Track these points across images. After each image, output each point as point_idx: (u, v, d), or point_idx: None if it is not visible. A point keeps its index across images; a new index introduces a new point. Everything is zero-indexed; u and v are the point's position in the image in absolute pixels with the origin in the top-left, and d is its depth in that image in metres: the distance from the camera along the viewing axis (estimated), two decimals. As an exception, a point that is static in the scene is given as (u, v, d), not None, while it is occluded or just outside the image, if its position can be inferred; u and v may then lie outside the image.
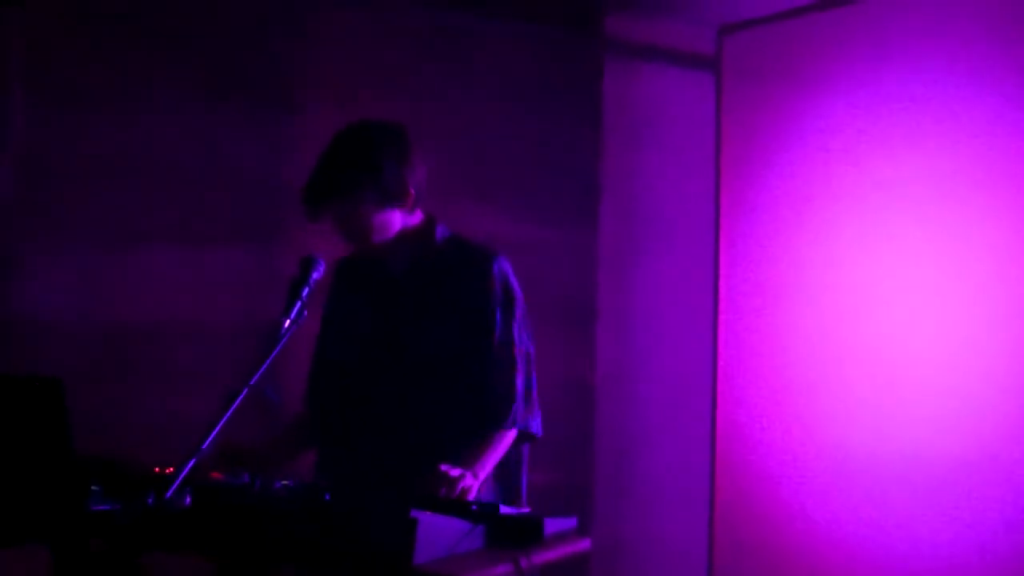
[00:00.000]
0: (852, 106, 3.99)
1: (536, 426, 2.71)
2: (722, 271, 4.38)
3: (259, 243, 4.12)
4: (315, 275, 2.40)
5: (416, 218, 2.73)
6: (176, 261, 4.02)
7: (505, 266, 2.73)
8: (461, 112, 4.42)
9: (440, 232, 2.76)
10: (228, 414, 2.08)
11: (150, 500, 1.96)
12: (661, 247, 4.63)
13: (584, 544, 2.24)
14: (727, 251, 4.38)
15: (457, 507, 2.17)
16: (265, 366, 2.16)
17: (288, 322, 2.28)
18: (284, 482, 2.19)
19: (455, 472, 2.40)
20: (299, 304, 2.31)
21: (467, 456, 2.57)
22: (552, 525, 2.17)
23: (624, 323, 4.62)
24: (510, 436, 2.67)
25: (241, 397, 2.12)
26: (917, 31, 3.84)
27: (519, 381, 2.68)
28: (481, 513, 2.13)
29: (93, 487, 2.11)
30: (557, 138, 4.58)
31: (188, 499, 2.02)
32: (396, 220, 2.68)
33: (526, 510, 2.54)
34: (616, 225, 4.63)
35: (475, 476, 2.52)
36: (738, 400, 4.29)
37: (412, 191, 2.67)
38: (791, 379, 4.13)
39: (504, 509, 2.21)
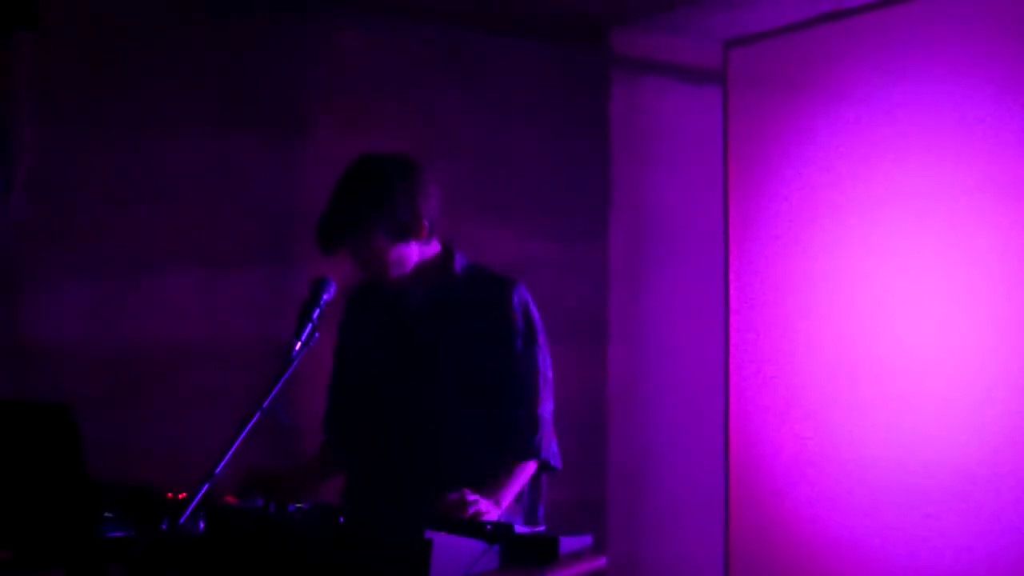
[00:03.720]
0: (859, 117, 3.99)
1: (553, 458, 2.68)
2: (732, 283, 4.38)
3: (272, 266, 4.12)
4: (326, 296, 2.38)
5: (433, 248, 2.70)
6: (189, 285, 4.02)
7: (525, 295, 2.70)
8: (470, 130, 4.43)
9: (459, 262, 2.73)
10: (241, 438, 2.08)
11: (164, 525, 1.96)
12: (671, 260, 4.63)
13: (600, 562, 2.23)
14: (737, 263, 4.37)
15: (472, 527, 2.16)
16: (277, 388, 2.16)
17: (299, 344, 2.27)
18: (298, 506, 2.18)
19: (471, 496, 2.39)
20: (310, 326, 2.30)
21: (490, 486, 2.56)
22: (567, 543, 2.16)
23: (636, 337, 4.62)
24: (531, 467, 2.66)
25: (254, 420, 2.12)
26: (923, 42, 3.84)
27: (542, 411, 2.66)
28: (496, 533, 2.12)
29: (107, 513, 2.11)
30: (566, 154, 4.59)
31: (202, 524, 2.01)
32: (413, 253, 2.65)
33: (541, 528, 2.53)
34: (626, 239, 4.63)
35: (497, 503, 2.51)
36: (751, 413, 4.28)
37: (426, 223, 2.63)
38: (804, 391, 4.12)
39: (519, 528, 2.20)
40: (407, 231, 2.62)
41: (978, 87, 3.68)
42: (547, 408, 2.68)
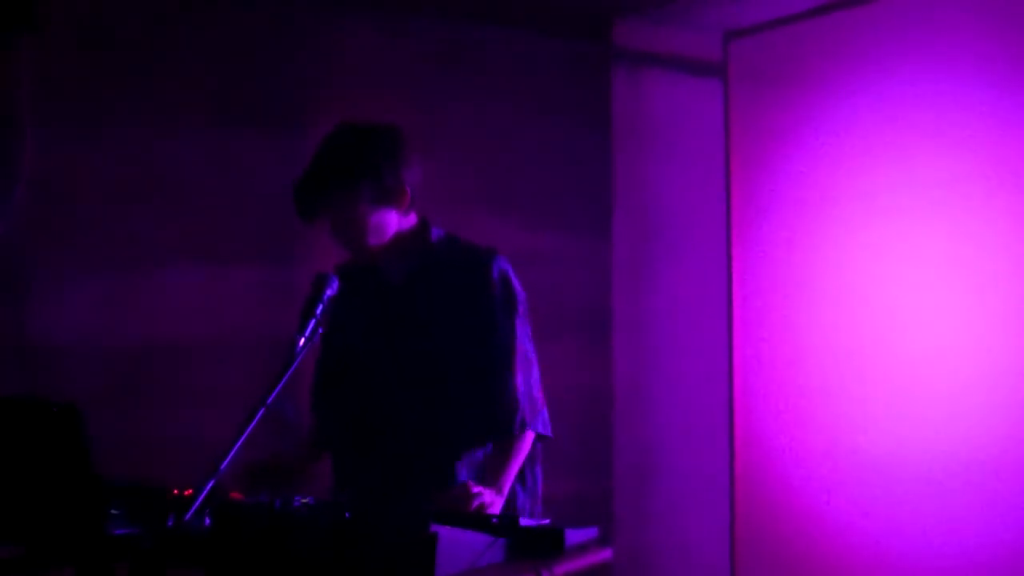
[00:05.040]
0: (860, 108, 3.99)
1: (541, 425, 2.68)
2: (736, 276, 4.38)
3: (274, 262, 4.12)
4: (329, 292, 2.40)
5: (410, 221, 2.70)
6: (193, 282, 4.03)
7: (504, 265, 2.70)
8: (472, 123, 4.42)
9: (435, 233, 2.73)
10: (246, 434, 2.09)
11: (170, 522, 1.96)
12: (675, 253, 4.63)
13: (606, 554, 2.23)
14: (740, 255, 4.37)
15: (477, 521, 2.17)
16: (281, 385, 2.16)
17: (303, 340, 2.27)
18: (304, 500, 2.19)
19: (476, 488, 2.40)
20: (313, 322, 2.31)
21: (489, 472, 2.57)
22: (573, 536, 2.16)
23: (640, 331, 4.61)
24: (528, 440, 2.66)
25: (258, 416, 2.12)
26: (924, 33, 3.83)
27: (519, 382, 2.65)
28: (502, 526, 2.12)
29: (114, 510, 2.11)
30: (568, 146, 4.58)
31: (208, 520, 2.02)
32: (392, 222, 2.65)
33: (547, 521, 2.53)
34: (629, 232, 4.63)
35: (499, 492, 2.52)
36: (755, 406, 4.28)
37: (408, 191, 2.64)
38: (808, 384, 4.12)
39: (524, 521, 2.20)
40: (390, 196, 2.61)
41: (981, 79, 3.67)
42: (524, 379, 2.66)
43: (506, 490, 2.56)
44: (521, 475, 2.72)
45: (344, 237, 2.65)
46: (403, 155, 2.65)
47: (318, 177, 2.61)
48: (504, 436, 2.62)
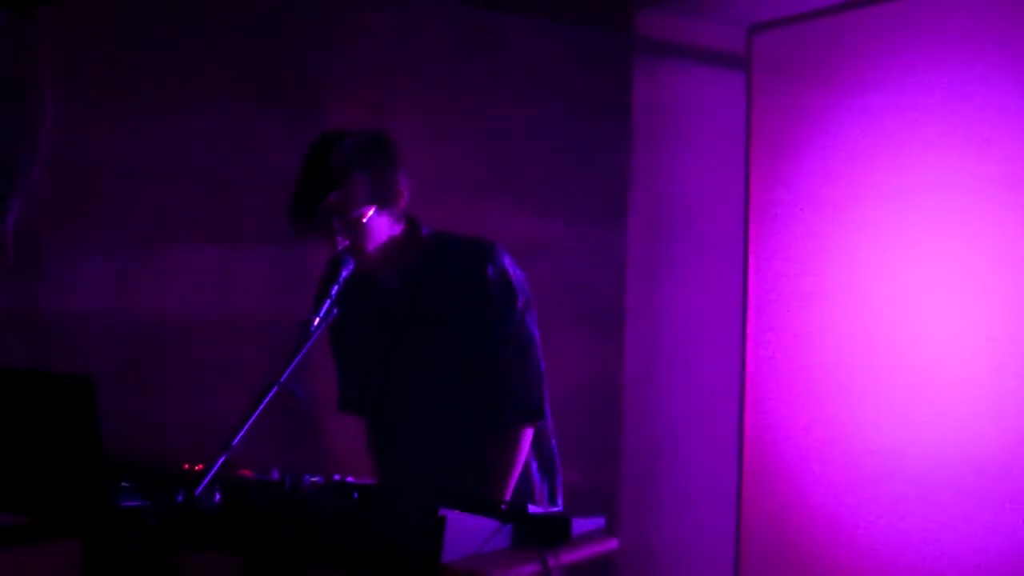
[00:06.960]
0: (884, 105, 3.96)
1: (537, 407, 2.69)
2: (751, 271, 4.36)
3: (289, 242, 4.12)
4: (344, 273, 2.40)
5: (399, 227, 2.66)
6: (207, 260, 4.03)
7: (501, 259, 2.66)
8: (492, 112, 4.41)
9: (426, 232, 2.69)
10: (258, 411, 2.09)
11: (180, 497, 1.97)
12: (690, 247, 4.62)
13: (612, 544, 2.23)
14: (756, 251, 4.36)
15: (485, 506, 2.17)
16: (295, 363, 2.17)
17: (318, 320, 2.28)
18: (314, 480, 2.19)
19: None
20: (328, 302, 2.31)
21: (489, 482, 2.59)
22: (580, 525, 2.16)
23: (652, 324, 4.61)
24: (529, 433, 2.67)
25: (271, 394, 2.13)
26: (949, 30, 3.80)
27: (528, 373, 2.66)
28: (509, 512, 2.13)
29: (123, 484, 2.12)
30: (587, 137, 4.57)
31: (218, 496, 2.02)
32: (386, 226, 2.59)
33: (555, 509, 2.54)
34: (645, 225, 4.62)
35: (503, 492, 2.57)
36: (766, 402, 4.27)
37: (404, 194, 2.60)
38: (819, 381, 4.11)
39: (532, 508, 2.21)
40: (387, 196, 2.56)
41: (1005, 78, 3.65)
42: (532, 368, 2.66)
43: (511, 485, 2.59)
44: (538, 450, 2.73)
45: (344, 237, 2.55)
46: (395, 158, 2.60)
47: (312, 177, 2.54)
48: (511, 427, 2.64)
